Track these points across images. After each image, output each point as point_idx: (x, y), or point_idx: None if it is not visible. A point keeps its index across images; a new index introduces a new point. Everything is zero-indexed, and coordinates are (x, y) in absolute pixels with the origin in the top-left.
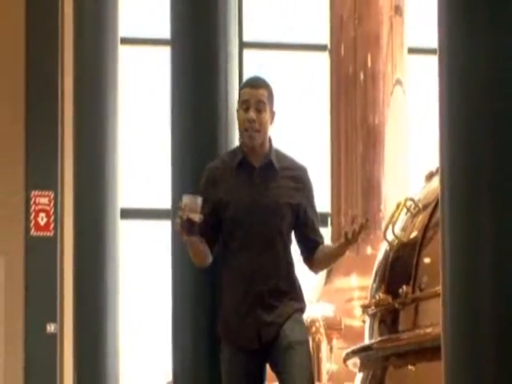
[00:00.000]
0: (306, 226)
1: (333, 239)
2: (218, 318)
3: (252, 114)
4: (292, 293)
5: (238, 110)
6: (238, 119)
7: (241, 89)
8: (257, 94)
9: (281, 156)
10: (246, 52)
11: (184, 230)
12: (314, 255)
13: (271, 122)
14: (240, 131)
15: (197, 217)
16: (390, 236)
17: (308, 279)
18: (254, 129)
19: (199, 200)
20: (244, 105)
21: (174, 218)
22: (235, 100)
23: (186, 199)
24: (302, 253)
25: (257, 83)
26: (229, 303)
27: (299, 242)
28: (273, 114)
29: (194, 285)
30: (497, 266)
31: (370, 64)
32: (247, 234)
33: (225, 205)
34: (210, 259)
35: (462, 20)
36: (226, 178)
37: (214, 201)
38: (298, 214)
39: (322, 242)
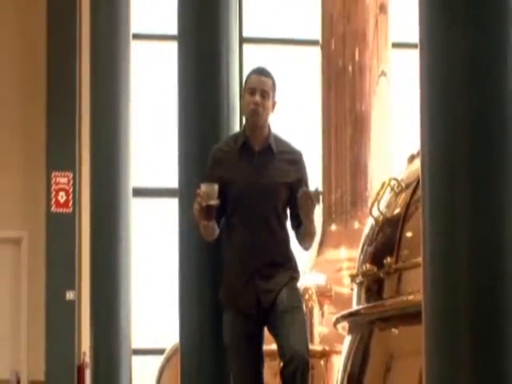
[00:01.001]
0: (295, 203)
1: (324, 215)
2: (221, 285)
3: (257, 97)
4: (287, 263)
5: (243, 95)
6: (244, 102)
7: (248, 76)
8: (262, 82)
9: (279, 141)
10: (246, 46)
11: (203, 215)
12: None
13: (272, 110)
14: (245, 113)
15: (214, 202)
16: (375, 212)
17: (302, 251)
18: (257, 111)
19: (215, 187)
20: (250, 90)
21: (181, 197)
22: (236, 89)
23: (204, 187)
24: (293, 228)
25: (263, 72)
26: (230, 272)
27: (291, 219)
28: (274, 103)
29: (199, 256)
30: (472, 239)
31: (357, 57)
32: (246, 211)
33: (227, 183)
34: (217, 234)
35: (441, 17)
36: (230, 158)
37: (218, 179)
38: (292, 193)
39: None
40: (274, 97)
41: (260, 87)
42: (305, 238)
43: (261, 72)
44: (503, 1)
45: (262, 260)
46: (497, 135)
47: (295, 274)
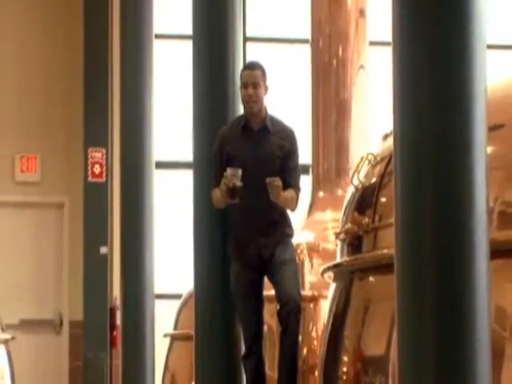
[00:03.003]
0: (284, 171)
1: (313, 184)
2: (229, 241)
3: (250, 90)
4: (283, 222)
5: (240, 88)
6: (241, 95)
7: (241, 72)
8: (253, 75)
9: (274, 121)
10: (249, 45)
11: (228, 194)
12: None
13: (265, 94)
14: (242, 103)
15: (239, 183)
16: (355, 181)
17: (294, 214)
18: (252, 101)
19: (239, 171)
20: (243, 85)
21: (196, 169)
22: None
23: (230, 171)
24: None
25: (252, 66)
26: (236, 231)
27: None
28: (266, 87)
29: (210, 217)
30: (436, 202)
31: (340, 53)
32: (248, 179)
33: (232, 157)
34: (225, 205)
35: (411, 19)
36: (233, 137)
37: (225, 154)
38: (284, 163)
39: (291, 185)
40: (265, 83)
41: (251, 80)
42: (282, 204)
43: (250, 66)
44: (466, 5)
45: (262, 220)
46: (455, 116)
47: (290, 231)
